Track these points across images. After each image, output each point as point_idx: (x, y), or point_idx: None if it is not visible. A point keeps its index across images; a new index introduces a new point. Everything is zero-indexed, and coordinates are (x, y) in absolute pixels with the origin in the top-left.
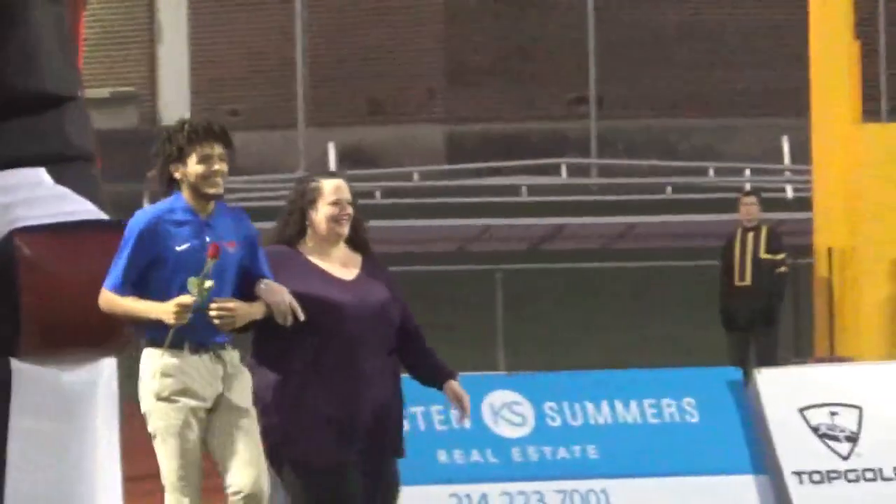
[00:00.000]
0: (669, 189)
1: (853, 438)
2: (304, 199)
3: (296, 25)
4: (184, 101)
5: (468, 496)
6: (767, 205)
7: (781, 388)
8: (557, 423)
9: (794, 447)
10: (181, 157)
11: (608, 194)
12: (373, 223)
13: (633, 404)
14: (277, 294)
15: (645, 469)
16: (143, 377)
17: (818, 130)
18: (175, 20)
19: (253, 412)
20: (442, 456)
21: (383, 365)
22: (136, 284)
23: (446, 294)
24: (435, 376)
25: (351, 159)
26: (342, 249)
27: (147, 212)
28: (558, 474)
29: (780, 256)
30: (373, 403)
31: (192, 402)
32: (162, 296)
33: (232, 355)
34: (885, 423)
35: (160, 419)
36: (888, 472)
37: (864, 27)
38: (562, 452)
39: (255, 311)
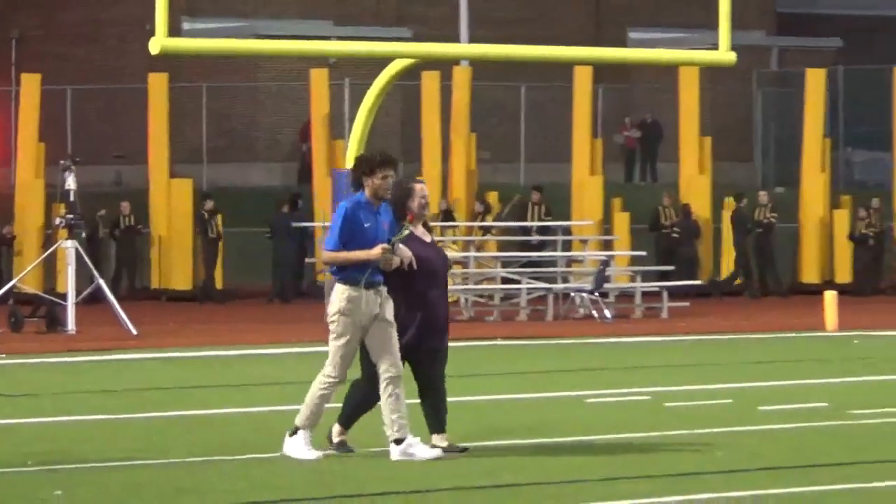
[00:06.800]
0: None
1: None
2: (404, 194)
3: None
4: None
5: None
6: None
7: None
8: None
9: None
10: (371, 173)
11: None
12: None
13: None
14: (406, 252)
15: None
16: (335, 299)
17: None
18: None
19: (394, 323)
20: None
21: (444, 289)
22: (344, 244)
23: None
24: None
25: None
26: (420, 224)
27: (349, 201)
28: None
29: None
30: (441, 311)
31: (358, 318)
32: (357, 248)
33: (384, 289)
34: None
35: (339, 325)
36: None
37: None
38: None
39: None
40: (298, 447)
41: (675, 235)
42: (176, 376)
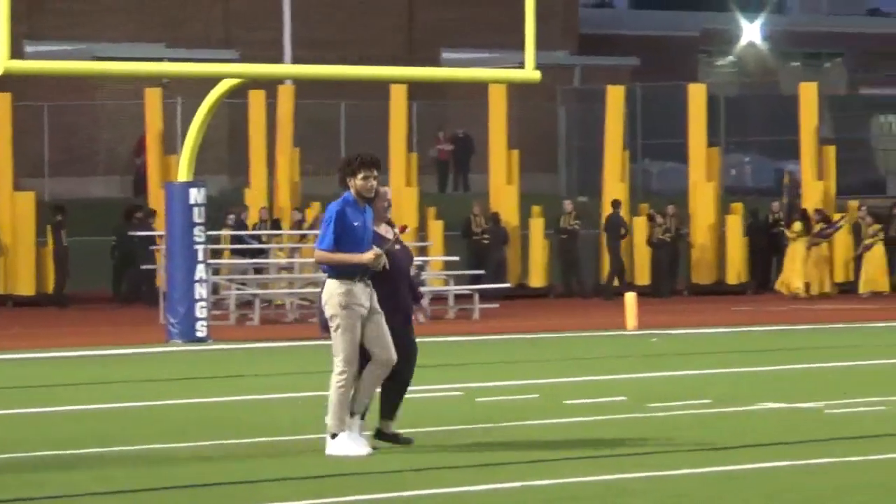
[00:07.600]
0: None
1: None
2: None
3: None
4: None
5: None
6: None
7: None
8: None
9: None
10: (353, 175)
11: None
12: None
13: None
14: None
15: None
16: (332, 296)
17: None
18: None
19: (382, 312)
20: None
21: (406, 281)
22: (336, 244)
23: None
24: (414, 294)
25: None
26: (383, 223)
27: (339, 202)
28: None
29: None
30: (404, 300)
31: (358, 309)
32: (347, 250)
33: (370, 281)
34: None
35: (342, 319)
36: None
37: None
38: None
39: None
40: (345, 446)
41: (485, 241)
42: (22, 376)
